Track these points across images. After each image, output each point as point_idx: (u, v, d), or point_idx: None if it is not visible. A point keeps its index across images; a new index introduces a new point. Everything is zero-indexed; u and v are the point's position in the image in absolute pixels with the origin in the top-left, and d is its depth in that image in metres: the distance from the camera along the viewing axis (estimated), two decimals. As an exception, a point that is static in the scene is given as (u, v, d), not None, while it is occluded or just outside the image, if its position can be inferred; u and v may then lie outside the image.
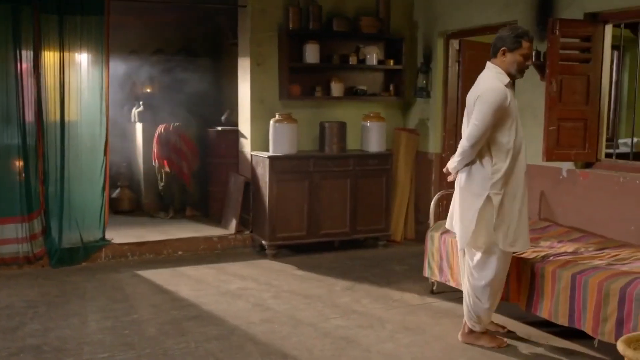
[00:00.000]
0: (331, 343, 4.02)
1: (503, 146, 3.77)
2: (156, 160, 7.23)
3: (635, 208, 4.57)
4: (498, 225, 3.77)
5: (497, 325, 4.21)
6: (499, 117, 3.73)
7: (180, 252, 6.17)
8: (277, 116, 6.12)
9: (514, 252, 3.98)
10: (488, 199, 3.76)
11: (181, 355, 3.81)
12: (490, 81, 3.80)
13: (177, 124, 7.22)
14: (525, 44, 3.75)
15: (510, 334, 4.15)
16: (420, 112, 6.84)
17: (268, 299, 4.91)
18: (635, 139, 7.63)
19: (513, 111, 3.79)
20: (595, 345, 3.73)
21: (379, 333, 4.20)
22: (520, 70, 3.83)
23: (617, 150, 5.68)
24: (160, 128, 7.25)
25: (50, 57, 5.59)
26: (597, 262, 3.92)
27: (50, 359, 3.75)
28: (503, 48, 3.79)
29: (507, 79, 3.80)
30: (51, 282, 5.27)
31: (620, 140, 7.15)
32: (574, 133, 4.94)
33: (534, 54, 5.14)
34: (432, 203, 5.08)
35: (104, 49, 5.74)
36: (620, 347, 2.94)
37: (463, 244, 3.89)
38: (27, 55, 5.53)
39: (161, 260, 5.98)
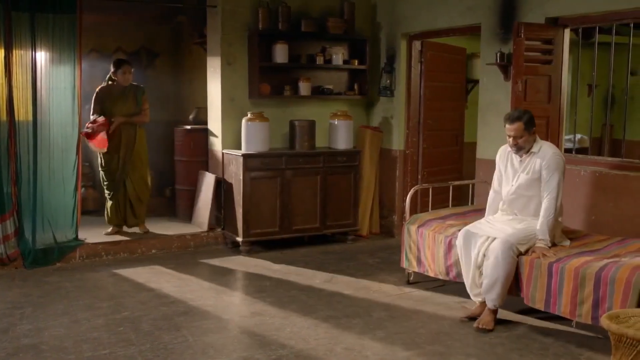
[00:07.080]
0: (324, 332, 4.19)
1: None
2: None
3: (596, 199, 4.94)
4: None
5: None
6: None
7: (154, 251, 6.19)
8: (249, 115, 6.22)
9: None
10: None
11: (181, 349, 3.89)
12: None
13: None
14: (506, 125, 4.41)
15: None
16: (384, 110, 7.08)
17: (253, 293, 5.04)
18: (578, 135, 8.18)
19: (499, 168, 4.65)
20: (574, 326, 4.05)
21: (367, 321, 4.39)
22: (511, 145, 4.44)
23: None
24: None
25: (21, 56, 5.51)
26: (569, 249, 4.25)
27: (51, 357, 3.76)
28: None
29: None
30: (29, 283, 5.21)
31: (565, 137, 7.61)
32: (537, 129, 5.19)
33: (500, 54, 5.55)
34: (408, 197, 5.31)
35: (76, 48, 5.70)
36: (605, 322, 3.24)
37: None
38: (-3, 53, 5.45)
39: (136, 259, 5.99)
